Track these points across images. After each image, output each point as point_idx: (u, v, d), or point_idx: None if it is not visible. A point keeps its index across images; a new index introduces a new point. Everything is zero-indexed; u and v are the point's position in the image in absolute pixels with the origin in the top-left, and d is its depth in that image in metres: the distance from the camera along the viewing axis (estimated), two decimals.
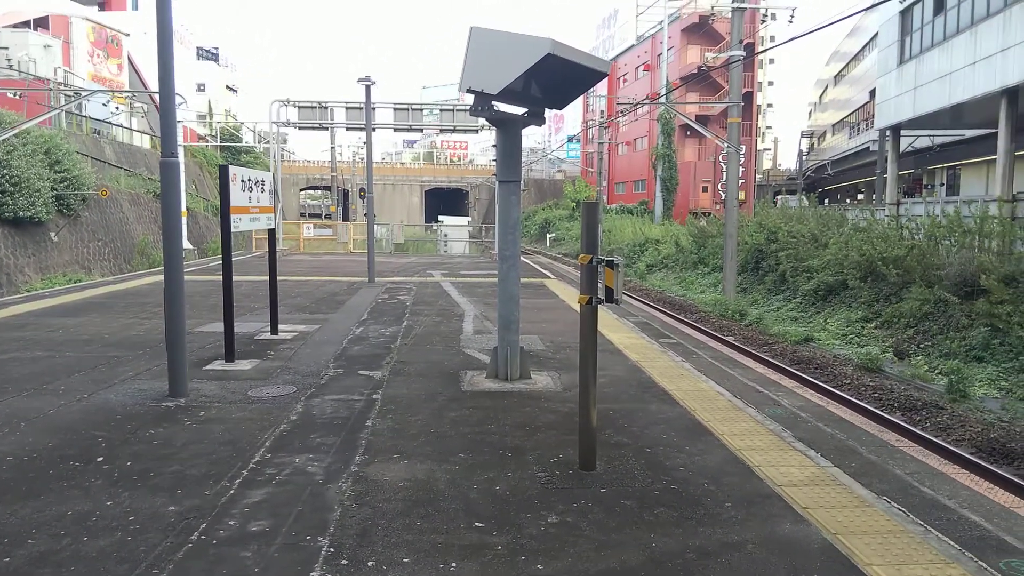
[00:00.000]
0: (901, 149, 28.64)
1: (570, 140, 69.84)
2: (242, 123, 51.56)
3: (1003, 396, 11.61)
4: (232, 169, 7.89)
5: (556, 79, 7.27)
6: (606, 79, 61.61)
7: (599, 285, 5.08)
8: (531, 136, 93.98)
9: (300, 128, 27.79)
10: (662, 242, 35.07)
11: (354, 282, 17.47)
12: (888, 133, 27.44)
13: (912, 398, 11.55)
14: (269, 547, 3.91)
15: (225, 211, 7.74)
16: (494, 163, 7.71)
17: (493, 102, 6.94)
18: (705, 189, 50.41)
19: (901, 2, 24.91)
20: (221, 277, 8.04)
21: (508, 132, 7.47)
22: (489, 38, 6.57)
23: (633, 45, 61.02)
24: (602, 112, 49.87)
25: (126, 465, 5.09)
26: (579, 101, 68.65)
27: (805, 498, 4.62)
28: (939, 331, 14.55)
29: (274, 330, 9.93)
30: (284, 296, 13.94)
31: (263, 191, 8.77)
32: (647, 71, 56.31)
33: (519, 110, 7.55)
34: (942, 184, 36.87)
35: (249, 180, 8.39)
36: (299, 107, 26.56)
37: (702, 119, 46.48)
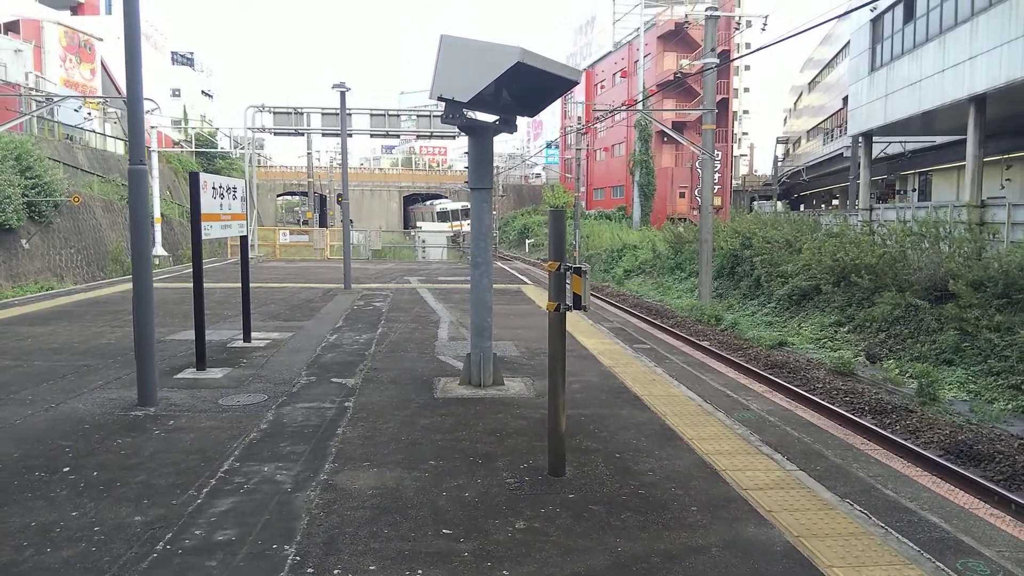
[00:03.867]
0: (873, 155, 29.04)
1: (548, 146, 70.09)
2: (217, 128, 51.21)
3: (972, 399, 11.79)
4: (203, 176, 7.86)
5: (527, 87, 7.32)
6: (584, 85, 61.94)
7: (567, 291, 5.12)
8: (509, 142, 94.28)
9: (276, 134, 27.69)
10: (640, 248, 35.27)
11: (330, 289, 17.42)
12: (861, 139, 27.81)
13: (883, 401, 11.70)
14: (235, 556, 3.90)
15: (196, 218, 7.70)
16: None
17: (464, 109, 6.99)
18: (682, 195, 50.71)
19: (872, 10, 25.28)
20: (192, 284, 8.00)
21: (479, 139, 7.51)
22: (459, 46, 6.61)
23: (610, 52, 61.40)
24: (580, 118, 50.12)
25: (92, 475, 5.05)
26: (557, 107, 68.92)
27: (770, 501, 4.68)
28: (910, 335, 14.77)
29: (247, 338, 9.87)
30: (258, 303, 13.87)
31: (235, 198, 8.73)
32: (624, 77, 56.65)
33: (490, 117, 7.60)
34: (914, 190, 37.41)
35: (220, 187, 8.35)
36: (275, 113, 26.45)
37: (679, 125, 46.80)
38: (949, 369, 13.03)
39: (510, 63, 6.26)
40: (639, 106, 40.72)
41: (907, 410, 11.20)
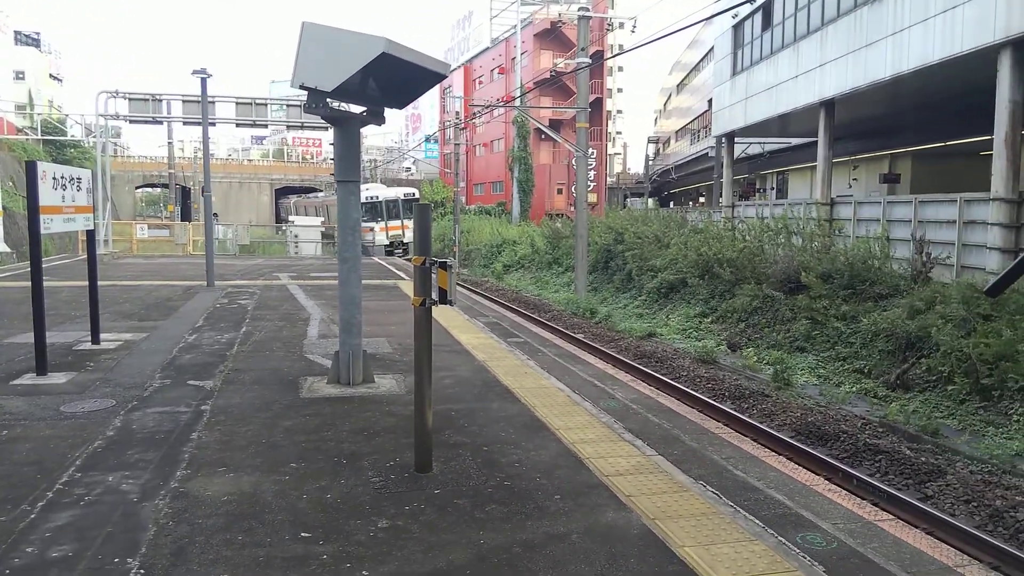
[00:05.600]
0: (736, 155, 30.63)
1: (427, 140, 69.59)
2: (68, 115, 47.62)
3: (821, 383, 12.65)
4: (41, 166, 7.27)
5: (395, 79, 7.21)
6: (462, 80, 61.98)
7: (433, 286, 5.08)
8: (388, 135, 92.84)
9: (132, 122, 25.97)
10: (519, 243, 35.70)
11: (191, 286, 16.54)
12: (724, 140, 29.24)
13: (742, 387, 12.34)
14: (71, 573, 3.62)
15: (33, 211, 7.12)
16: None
17: (328, 99, 6.79)
18: (560, 191, 51.76)
19: (734, 17, 26.60)
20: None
21: (345, 131, 7.32)
22: (322, 34, 6.41)
23: (488, 47, 61.68)
24: (458, 113, 50.15)
25: None
26: (436, 101, 68.59)
27: (629, 486, 4.82)
28: (767, 324, 15.68)
29: (95, 339, 9.21)
30: (110, 302, 13.00)
31: (79, 189, 8.12)
32: (502, 74, 57.08)
33: (358, 108, 7.43)
34: (772, 188, 39.77)
35: (62, 177, 7.74)
36: (130, 99, 24.81)
37: (556, 123, 47.70)
38: (801, 355, 13.93)
39: (375, 53, 6.13)
40: (516, 103, 41.14)
41: (763, 395, 11.87)
